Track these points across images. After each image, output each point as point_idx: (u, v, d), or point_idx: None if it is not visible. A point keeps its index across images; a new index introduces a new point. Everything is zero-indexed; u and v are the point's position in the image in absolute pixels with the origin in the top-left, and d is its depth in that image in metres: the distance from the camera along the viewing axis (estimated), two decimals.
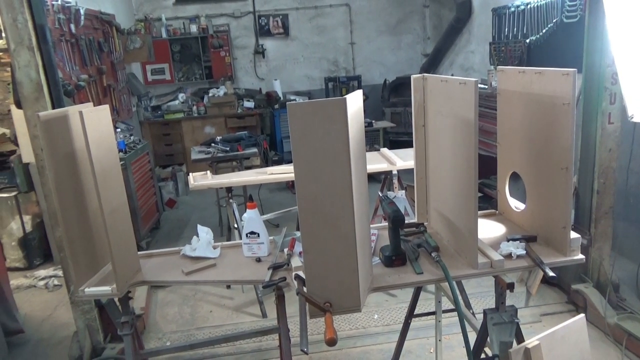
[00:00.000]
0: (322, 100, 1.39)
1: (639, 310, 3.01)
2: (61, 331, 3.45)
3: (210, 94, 7.58)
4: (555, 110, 1.67)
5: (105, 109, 1.86)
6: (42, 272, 4.39)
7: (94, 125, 1.74)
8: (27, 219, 4.60)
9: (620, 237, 3.24)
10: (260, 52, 8.02)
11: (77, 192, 1.88)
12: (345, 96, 1.38)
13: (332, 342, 1.38)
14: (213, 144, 4.82)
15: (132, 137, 5.34)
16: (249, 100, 7.64)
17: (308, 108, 1.39)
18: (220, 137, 4.95)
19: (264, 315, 3.49)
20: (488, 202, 4.41)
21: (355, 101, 1.52)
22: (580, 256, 1.74)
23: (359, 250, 1.50)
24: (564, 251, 1.74)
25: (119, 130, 5.52)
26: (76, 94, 4.54)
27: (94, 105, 1.85)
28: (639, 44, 2.44)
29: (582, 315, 1.98)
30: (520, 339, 1.87)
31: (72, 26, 4.84)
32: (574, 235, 1.73)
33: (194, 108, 7.54)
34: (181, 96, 7.72)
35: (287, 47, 8.14)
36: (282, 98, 7.66)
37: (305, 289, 1.56)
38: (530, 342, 1.78)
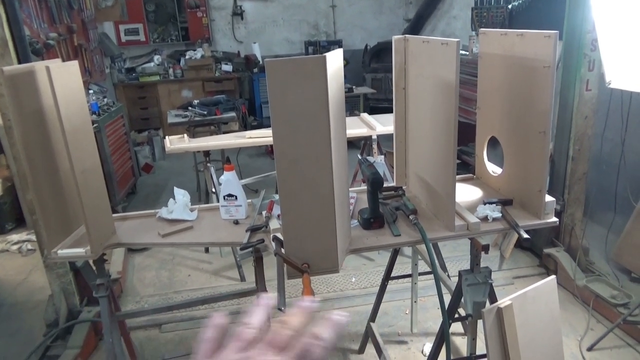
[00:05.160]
0: (301, 57, 1.35)
1: (606, 273, 3.13)
2: (36, 295, 3.41)
3: (187, 57, 7.35)
4: (536, 73, 1.66)
5: (74, 64, 1.77)
6: (14, 237, 4.30)
7: (63, 81, 1.66)
8: None
9: (592, 203, 3.33)
10: (238, 13, 7.77)
11: (47, 152, 1.82)
12: (325, 54, 1.34)
13: None
14: (190, 108, 4.70)
15: (105, 100, 5.17)
16: (227, 64, 7.44)
17: (287, 65, 1.35)
18: (198, 101, 4.83)
19: (243, 278, 3.51)
20: (466, 169, 4.46)
21: (335, 60, 1.48)
22: (554, 219, 1.78)
23: (338, 211, 1.50)
24: (538, 214, 1.76)
25: (91, 92, 5.34)
26: (45, 53, 4.35)
27: None
28: (620, 10, 2.43)
29: (553, 276, 2.03)
30: (493, 299, 1.92)
31: None
32: (548, 198, 1.76)
33: (170, 71, 7.33)
34: (157, 58, 7.47)
35: (267, 9, 7.90)
36: (261, 62, 7.49)
37: (283, 251, 1.56)
38: (503, 302, 1.83)
